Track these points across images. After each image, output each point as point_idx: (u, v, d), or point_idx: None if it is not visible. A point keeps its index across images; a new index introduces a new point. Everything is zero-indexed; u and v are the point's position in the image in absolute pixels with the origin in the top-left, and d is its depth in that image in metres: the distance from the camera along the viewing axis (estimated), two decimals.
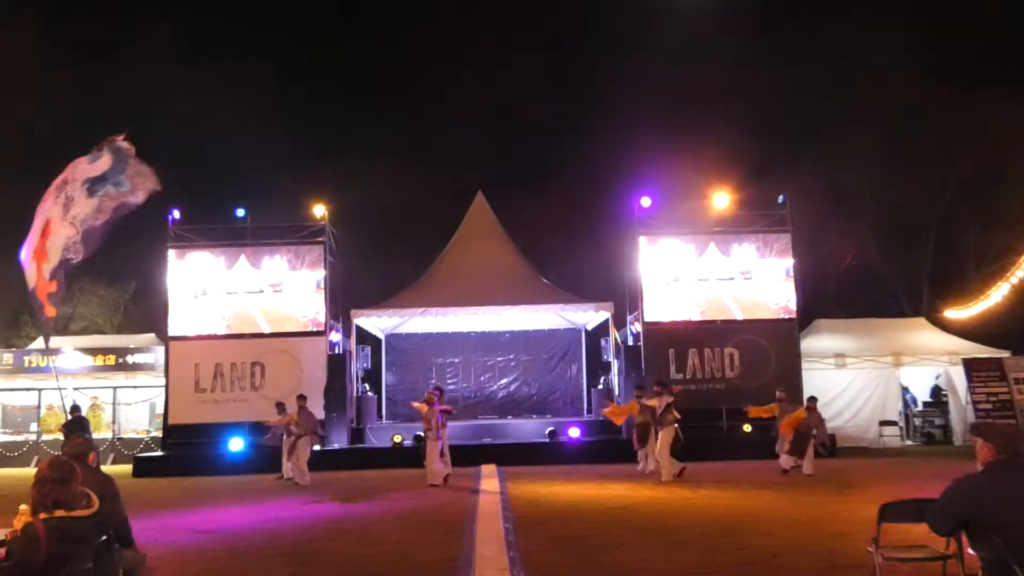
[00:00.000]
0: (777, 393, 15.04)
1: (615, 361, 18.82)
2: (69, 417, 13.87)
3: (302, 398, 14.51)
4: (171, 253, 18.55)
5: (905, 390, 19.38)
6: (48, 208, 10.26)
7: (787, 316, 18.30)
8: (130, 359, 20.47)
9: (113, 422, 20.02)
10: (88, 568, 4.06)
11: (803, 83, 32.51)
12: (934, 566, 5.03)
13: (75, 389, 20.24)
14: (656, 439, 13.51)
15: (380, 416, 20.34)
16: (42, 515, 3.89)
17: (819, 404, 14.36)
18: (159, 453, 17.96)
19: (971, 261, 27.15)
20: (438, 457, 13.19)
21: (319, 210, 18.77)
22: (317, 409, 16.95)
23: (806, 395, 16.27)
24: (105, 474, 5.27)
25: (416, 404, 13.91)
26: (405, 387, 21.45)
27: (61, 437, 14.05)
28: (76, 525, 3.98)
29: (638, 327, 18.54)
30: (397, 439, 16.85)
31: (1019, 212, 25.68)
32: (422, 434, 14.09)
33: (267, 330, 18.33)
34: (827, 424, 15.06)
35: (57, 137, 33.97)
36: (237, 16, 42.66)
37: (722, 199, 18.80)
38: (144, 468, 16.56)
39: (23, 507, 4.34)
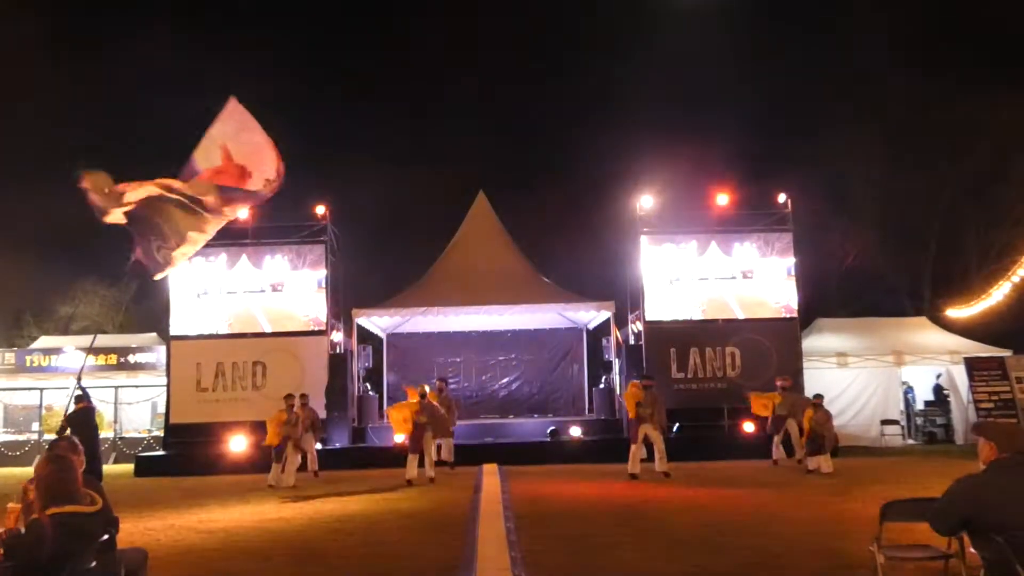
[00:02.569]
0: (779, 382, 15.09)
1: (616, 360, 18.82)
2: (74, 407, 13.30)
3: (290, 397, 14.51)
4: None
5: (909, 389, 19.38)
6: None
7: (788, 315, 18.29)
8: (132, 358, 20.50)
9: (115, 421, 20.04)
10: (91, 567, 4.05)
11: (804, 82, 32.57)
12: (936, 565, 5.03)
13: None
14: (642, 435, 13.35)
15: (381, 415, 20.31)
16: (48, 511, 3.88)
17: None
18: (160, 452, 17.98)
19: (973, 260, 27.13)
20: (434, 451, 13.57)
21: (320, 209, 18.77)
22: (319, 408, 16.99)
23: (808, 394, 16.29)
24: (87, 477, 5.20)
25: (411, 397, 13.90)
26: (407, 386, 21.44)
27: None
28: (82, 521, 3.97)
29: (639, 326, 18.53)
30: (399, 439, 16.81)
31: (1021, 211, 25.66)
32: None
33: (268, 329, 18.34)
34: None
35: (55, 137, 34.04)
36: (237, 14, 42.69)
37: (723, 198, 18.77)
38: (145, 467, 16.58)
39: (11, 505, 4.32)
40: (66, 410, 12.37)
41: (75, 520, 3.92)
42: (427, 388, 14.29)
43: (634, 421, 13.26)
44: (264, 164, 8.11)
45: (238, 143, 7.95)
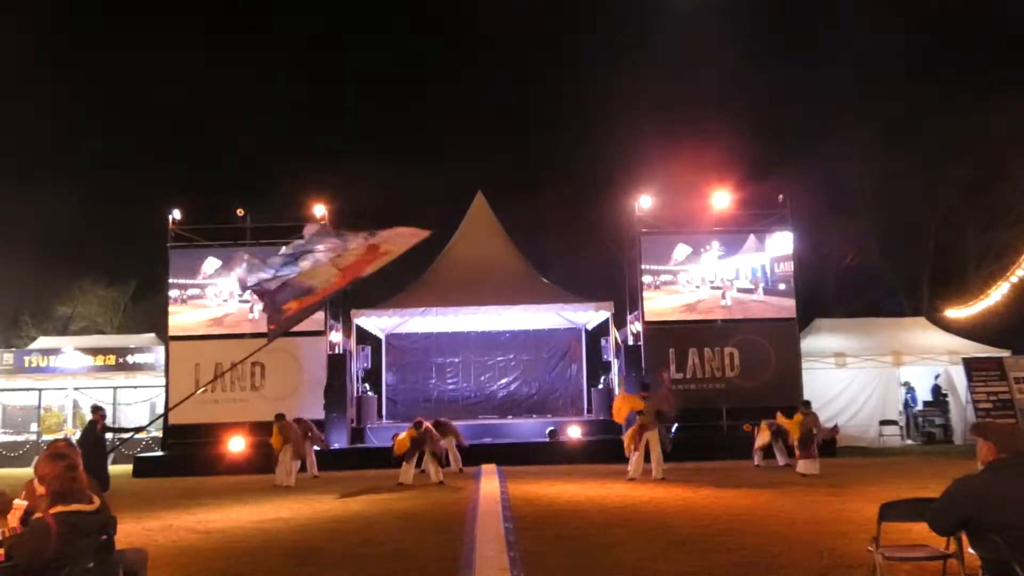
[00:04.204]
0: (768, 423, 15.00)
1: (615, 361, 18.82)
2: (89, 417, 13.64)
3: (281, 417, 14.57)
4: (171, 253, 18.55)
5: (910, 390, 19.38)
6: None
7: (787, 315, 18.31)
8: (130, 359, 20.48)
9: (113, 422, 20.01)
10: (90, 567, 4.05)
11: (804, 82, 32.60)
12: (934, 565, 5.04)
13: (75, 389, 20.25)
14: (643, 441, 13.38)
15: (380, 416, 20.34)
16: (53, 509, 3.87)
17: (819, 403, 14.43)
18: (159, 453, 17.97)
19: (971, 260, 27.15)
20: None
21: (319, 209, 18.77)
22: (318, 409, 17.01)
23: (806, 395, 16.31)
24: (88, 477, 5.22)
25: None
26: (405, 387, 21.49)
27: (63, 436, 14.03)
28: (84, 520, 3.97)
29: (638, 326, 18.54)
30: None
31: (1019, 211, 25.68)
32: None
33: (267, 330, 18.29)
34: (827, 423, 15.11)
35: (56, 137, 34.05)
36: (239, 16, 42.67)
37: (722, 198, 18.80)
38: (144, 468, 16.58)
39: (17, 502, 4.31)
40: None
41: (78, 519, 3.93)
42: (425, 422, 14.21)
43: (637, 429, 13.32)
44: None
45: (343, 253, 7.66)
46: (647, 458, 13.28)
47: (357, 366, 19.36)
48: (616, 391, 18.45)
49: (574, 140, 42.27)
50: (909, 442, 18.78)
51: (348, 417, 17.83)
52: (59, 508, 3.88)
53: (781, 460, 14.63)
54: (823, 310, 24.18)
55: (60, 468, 4.00)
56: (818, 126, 30.63)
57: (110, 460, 18.76)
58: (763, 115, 33.83)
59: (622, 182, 24.53)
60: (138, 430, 10.18)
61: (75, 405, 20.49)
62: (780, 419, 14.28)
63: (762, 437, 14.81)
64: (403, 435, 13.76)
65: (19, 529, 3.93)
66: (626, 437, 13.62)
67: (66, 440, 5.83)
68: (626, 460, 13.56)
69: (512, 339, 21.96)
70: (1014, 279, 21.46)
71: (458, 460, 14.95)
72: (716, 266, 18.45)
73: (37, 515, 3.89)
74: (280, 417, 14.54)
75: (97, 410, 13.03)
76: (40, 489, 4.03)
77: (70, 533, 3.83)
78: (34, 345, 22.80)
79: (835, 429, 14.97)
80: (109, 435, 13.70)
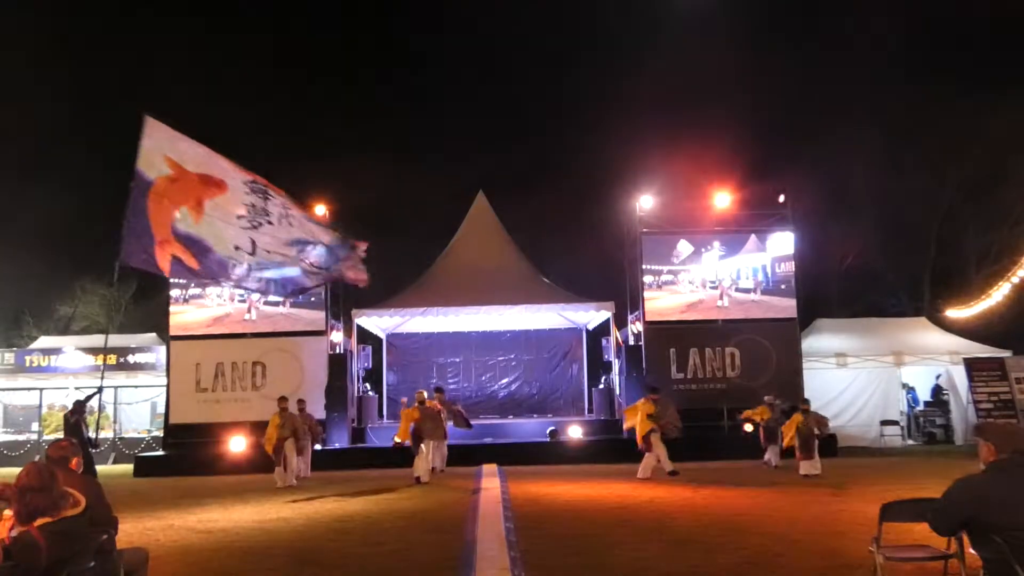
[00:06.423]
0: (766, 398, 15.10)
1: (616, 361, 18.83)
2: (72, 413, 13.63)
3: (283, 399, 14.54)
4: None
5: (911, 390, 19.38)
6: (232, 182, 8.36)
7: (788, 315, 18.30)
8: (131, 359, 20.50)
9: (114, 422, 20.04)
10: (90, 568, 4.06)
11: (804, 82, 32.59)
12: (935, 566, 5.03)
13: (76, 389, 20.25)
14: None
15: (381, 416, 20.34)
16: (37, 523, 3.87)
17: (820, 403, 14.43)
18: (160, 453, 17.99)
19: (972, 260, 27.15)
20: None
21: (320, 209, 18.74)
22: (319, 408, 17.00)
23: (807, 395, 16.30)
24: (86, 477, 5.20)
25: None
26: (406, 387, 21.44)
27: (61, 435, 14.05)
28: (69, 525, 3.97)
29: (639, 326, 18.54)
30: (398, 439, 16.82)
31: (1020, 211, 25.68)
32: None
33: (268, 329, 18.33)
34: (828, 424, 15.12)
35: (55, 137, 34.06)
36: (238, 14, 42.69)
37: (723, 198, 18.80)
38: (145, 468, 16.59)
39: (7, 513, 4.31)
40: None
41: (63, 526, 3.93)
42: (426, 394, 14.34)
43: (649, 432, 13.32)
44: (228, 173, 7.98)
45: (178, 152, 7.85)
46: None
47: (358, 366, 19.36)
48: (617, 391, 18.47)
49: (575, 140, 42.31)
50: (910, 442, 18.78)
51: (349, 417, 17.84)
52: (43, 520, 3.88)
53: (774, 460, 14.72)
54: (824, 310, 24.16)
55: (38, 485, 3.99)
56: (819, 126, 30.60)
57: (111, 459, 18.89)
58: (764, 115, 33.83)
59: (623, 182, 24.51)
60: (95, 392, 10.29)
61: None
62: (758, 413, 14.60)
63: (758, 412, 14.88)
64: (403, 423, 13.73)
65: (7, 541, 3.92)
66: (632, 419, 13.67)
67: (68, 440, 5.83)
68: (634, 460, 13.61)
69: (513, 339, 21.97)
70: (1015, 279, 21.46)
71: (443, 459, 15.05)
72: (717, 265, 18.44)
73: (23, 530, 3.88)
74: (283, 400, 14.18)
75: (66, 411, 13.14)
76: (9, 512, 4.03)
77: (58, 541, 3.85)
78: (35, 345, 22.82)
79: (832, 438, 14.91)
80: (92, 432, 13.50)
